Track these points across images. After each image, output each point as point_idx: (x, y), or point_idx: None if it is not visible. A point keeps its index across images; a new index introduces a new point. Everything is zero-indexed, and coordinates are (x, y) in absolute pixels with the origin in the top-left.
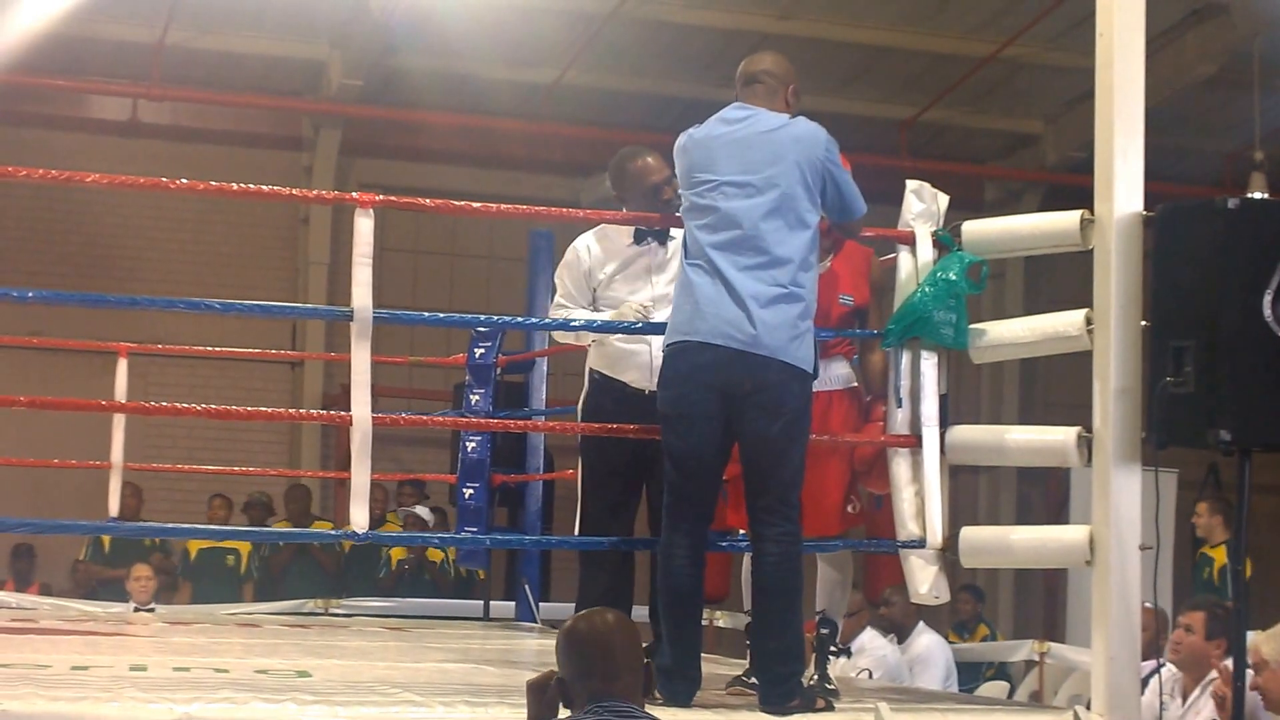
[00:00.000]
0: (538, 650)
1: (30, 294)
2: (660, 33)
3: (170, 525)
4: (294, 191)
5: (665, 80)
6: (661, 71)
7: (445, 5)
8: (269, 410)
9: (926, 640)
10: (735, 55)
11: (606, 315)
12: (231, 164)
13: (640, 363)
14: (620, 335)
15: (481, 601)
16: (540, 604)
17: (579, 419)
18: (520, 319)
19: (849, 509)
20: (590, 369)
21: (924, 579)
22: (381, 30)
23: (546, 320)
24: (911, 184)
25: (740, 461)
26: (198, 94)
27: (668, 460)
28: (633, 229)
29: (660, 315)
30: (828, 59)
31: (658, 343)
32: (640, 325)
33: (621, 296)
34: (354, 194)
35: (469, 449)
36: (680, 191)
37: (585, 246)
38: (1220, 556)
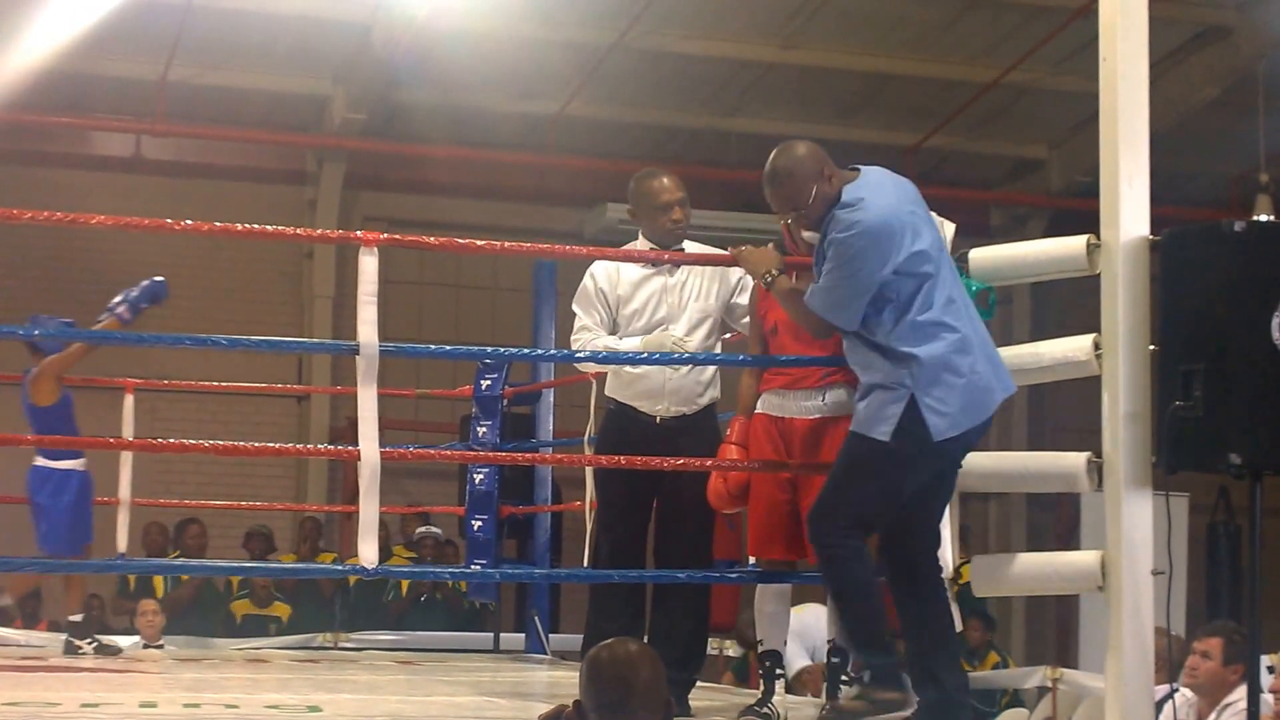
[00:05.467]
0: (548, 682)
1: (36, 332)
2: (663, 63)
3: (178, 562)
4: (298, 231)
5: (669, 111)
6: (665, 102)
7: (448, 39)
8: (276, 446)
9: None
10: (739, 85)
11: (635, 341)
12: (235, 199)
13: (651, 387)
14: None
15: (491, 634)
16: (550, 636)
17: (594, 447)
18: (527, 351)
19: None
20: (606, 396)
21: None
22: (384, 65)
23: (555, 352)
24: None
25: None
26: (201, 130)
27: (887, 490)
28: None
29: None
30: (832, 87)
31: (669, 370)
32: (682, 356)
33: (638, 315)
34: (358, 233)
35: (477, 481)
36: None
37: (602, 268)
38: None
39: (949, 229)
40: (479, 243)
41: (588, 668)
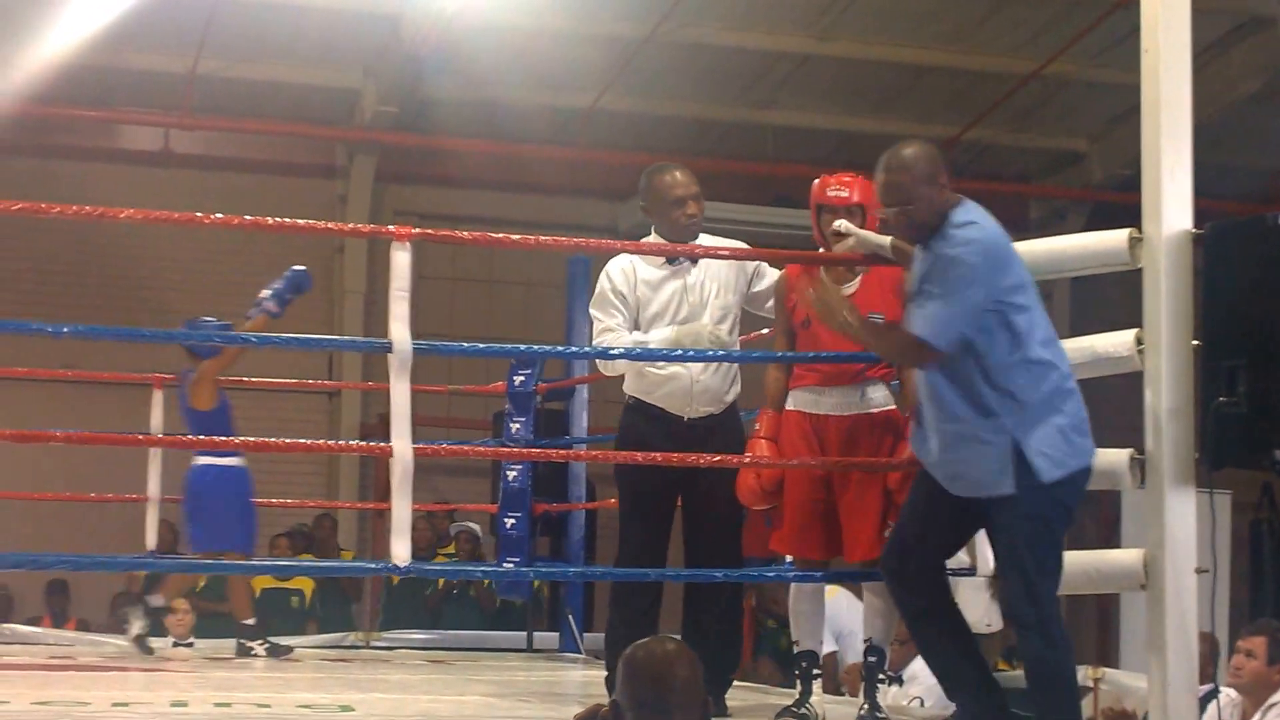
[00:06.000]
0: (582, 682)
1: (65, 329)
2: (698, 55)
3: (208, 561)
4: (330, 225)
5: (703, 103)
6: (699, 95)
7: (478, 32)
8: (308, 442)
9: None
10: (774, 77)
11: (667, 333)
12: (265, 193)
13: (679, 388)
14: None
15: (524, 632)
16: (584, 634)
17: (616, 446)
18: (561, 348)
19: (885, 534)
20: (626, 393)
21: (975, 607)
22: (414, 58)
23: (588, 349)
24: None
25: None
26: (230, 123)
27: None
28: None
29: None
30: (868, 79)
31: (696, 368)
32: (716, 354)
33: (659, 318)
34: (391, 227)
35: (510, 478)
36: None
37: (618, 269)
38: None
39: None
40: (514, 237)
41: (624, 667)
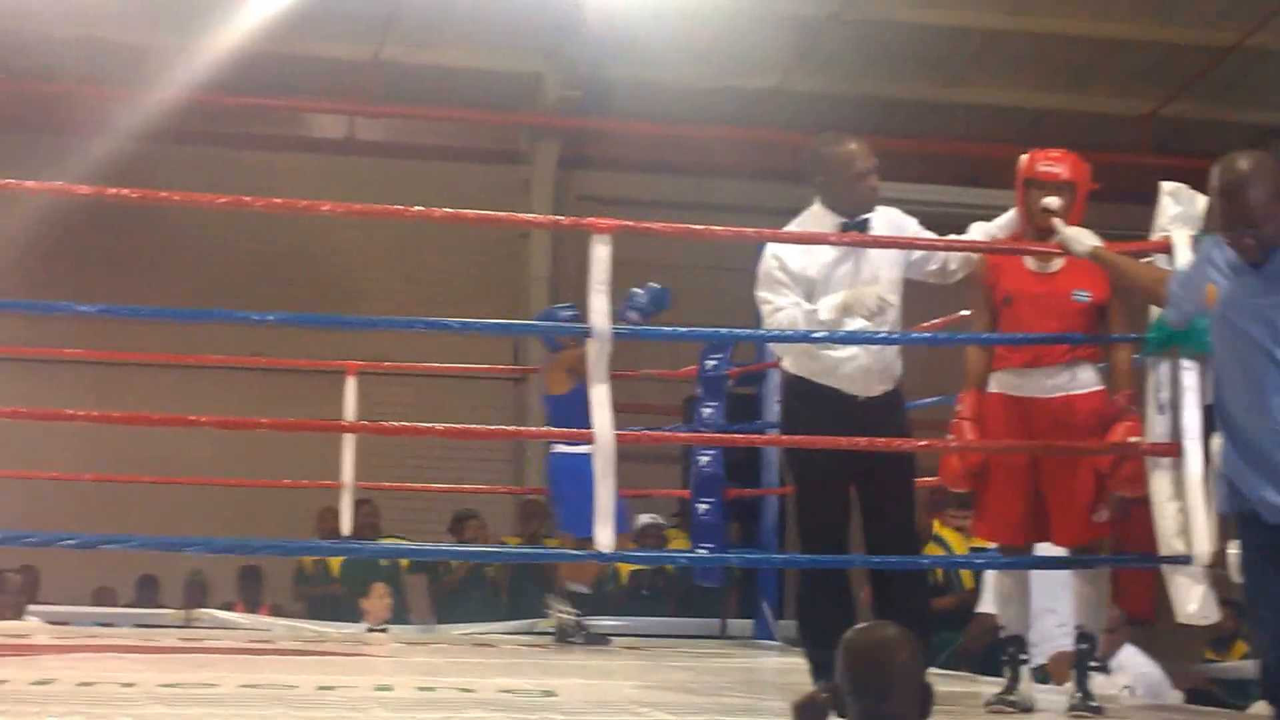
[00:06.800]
0: (778, 669)
1: (271, 316)
2: (883, 33)
3: (402, 545)
4: (529, 217)
5: (890, 82)
6: (885, 73)
7: (659, 15)
8: (505, 429)
9: None
10: (962, 53)
11: (835, 299)
12: (448, 179)
13: (859, 368)
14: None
15: (717, 619)
16: (779, 621)
17: (782, 429)
18: (757, 331)
19: (1095, 518)
20: (790, 374)
21: (1192, 598)
22: (596, 42)
23: (784, 333)
24: (1167, 186)
25: None
26: (414, 110)
27: None
28: (835, 225)
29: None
30: (1061, 54)
31: (874, 349)
32: (875, 335)
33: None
34: (591, 219)
35: (702, 464)
36: None
37: (790, 249)
38: None
39: (1200, 203)
40: (716, 228)
41: (845, 652)
